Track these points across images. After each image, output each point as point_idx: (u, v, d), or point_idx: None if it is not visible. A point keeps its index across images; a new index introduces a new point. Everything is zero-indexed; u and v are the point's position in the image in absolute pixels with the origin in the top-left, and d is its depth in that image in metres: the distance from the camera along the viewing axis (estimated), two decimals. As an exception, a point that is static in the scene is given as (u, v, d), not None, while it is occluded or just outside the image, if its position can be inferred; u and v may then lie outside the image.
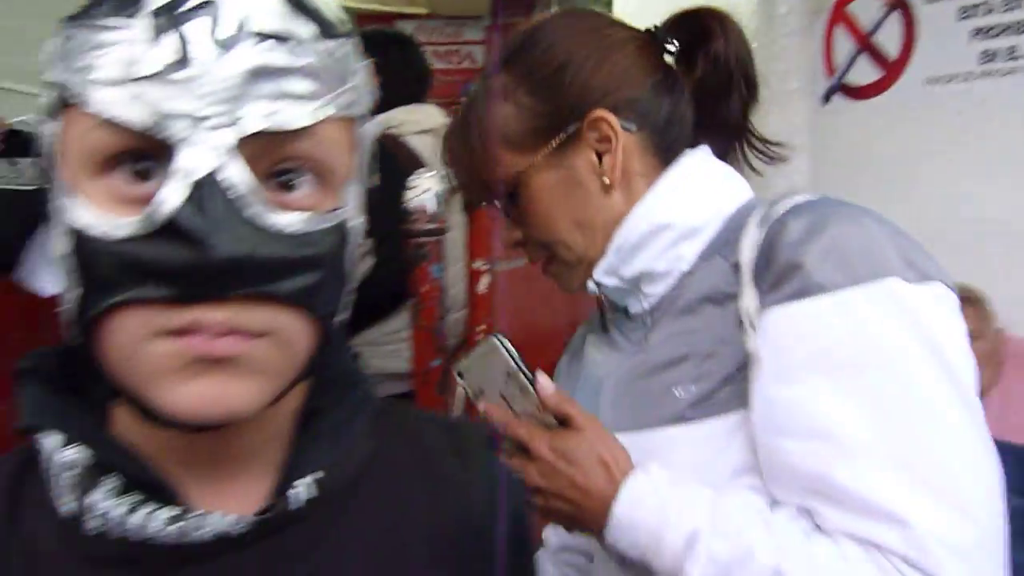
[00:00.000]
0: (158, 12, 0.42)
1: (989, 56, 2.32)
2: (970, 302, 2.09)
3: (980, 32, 2.33)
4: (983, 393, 2.14)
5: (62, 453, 0.47)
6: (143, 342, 0.43)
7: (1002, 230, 2.35)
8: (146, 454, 0.48)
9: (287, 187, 0.45)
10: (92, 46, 0.42)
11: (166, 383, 0.43)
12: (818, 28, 2.74)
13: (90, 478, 0.47)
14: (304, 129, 0.44)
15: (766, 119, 3.15)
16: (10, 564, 0.47)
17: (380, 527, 0.52)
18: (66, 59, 0.44)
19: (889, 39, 2.55)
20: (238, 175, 0.42)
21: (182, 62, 0.41)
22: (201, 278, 0.41)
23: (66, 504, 0.47)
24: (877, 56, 2.59)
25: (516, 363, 0.78)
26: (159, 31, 0.41)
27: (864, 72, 2.63)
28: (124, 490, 0.46)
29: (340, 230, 0.47)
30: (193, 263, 0.40)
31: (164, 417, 0.44)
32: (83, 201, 0.43)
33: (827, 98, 2.75)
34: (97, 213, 0.42)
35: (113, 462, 0.47)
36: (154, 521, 0.46)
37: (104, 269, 0.42)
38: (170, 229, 0.41)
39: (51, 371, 0.51)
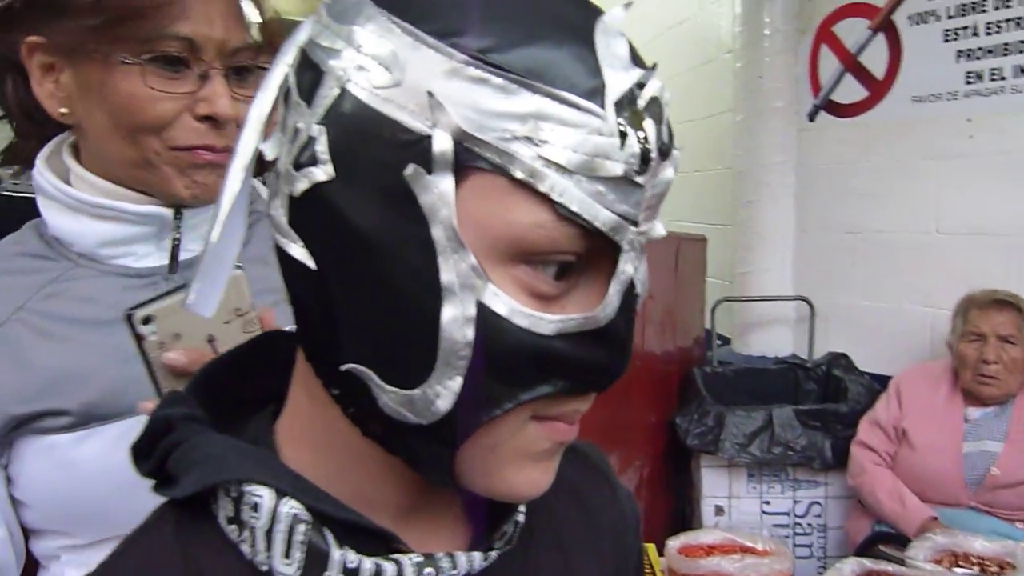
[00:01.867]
0: (619, 104, 0.37)
1: (974, 76, 2.36)
2: (1015, 308, 2.12)
3: (964, 54, 2.37)
4: (996, 399, 2.16)
5: (285, 506, 0.41)
6: (527, 430, 0.41)
7: (985, 243, 2.38)
8: (345, 487, 0.44)
9: None
10: (544, 115, 0.36)
11: (524, 466, 0.42)
12: (804, 48, 2.78)
13: (319, 553, 0.42)
14: None
15: (751, 136, 3.21)
16: None
17: (557, 541, 0.54)
18: (470, 109, 0.36)
19: (874, 59, 2.58)
20: (643, 279, 0.41)
21: (643, 166, 0.37)
22: (611, 378, 0.41)
23: (288, 565, 0.41)
24: (863, 75, 2.63)
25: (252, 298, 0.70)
26: (623, 128, 0.37)
27: (850, 91, 2.66)
28: (344, 543, 0.42)
29: None
30: (616, 364, 0.40)
31: (499, 493, 0.42)
32: (497, 285, 0.37)
33: (812, 116, 2.79)
34: (519, 306, 0.38)
35: (330, 514, 0.42)
36: (406, 570, 0.42)
37: (526, 365, 0.38)
38: (603, 331, 0.39)
39: (209, 418, 0.46)
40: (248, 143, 0.41)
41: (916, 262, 2.56)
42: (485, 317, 0.37)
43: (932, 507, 2.09)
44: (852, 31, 2.63)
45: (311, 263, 0.39)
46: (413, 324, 0.38)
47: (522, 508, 0.49)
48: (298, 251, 0.40)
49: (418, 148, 0.36)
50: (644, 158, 0.37)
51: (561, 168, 0.36)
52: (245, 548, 0.42)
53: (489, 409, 0.39)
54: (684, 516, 2.68)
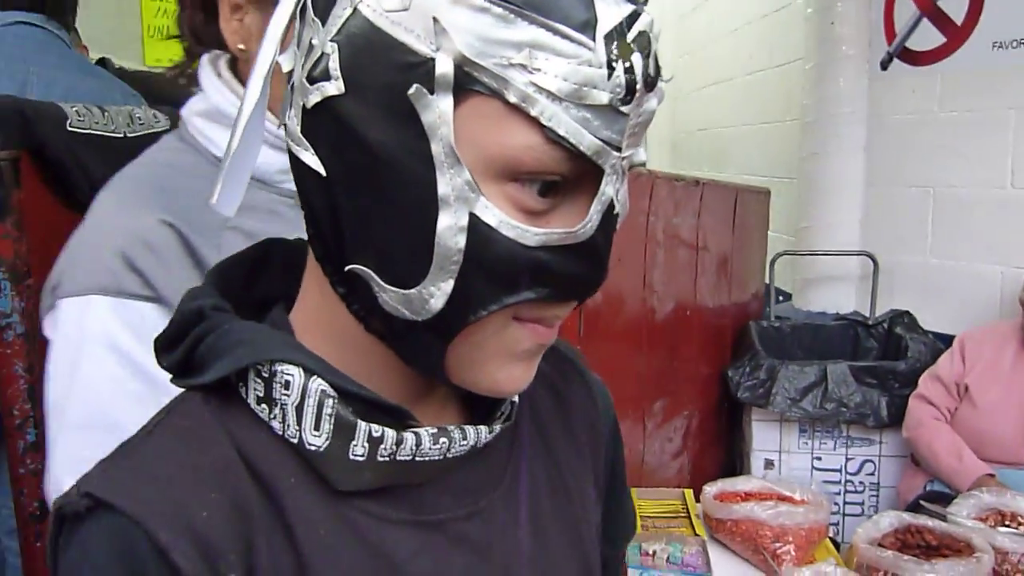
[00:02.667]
0: (609, 37, 0.40)
1: (1061, 21, 2.22)
2: None
3: (1052, -5, 2.23)
4: None
5: (314, 383, 0.45)
6: (509, 330, 0.45)
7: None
8: (368, 376, 0.48)
9: None
10: (535, 42, 0.39)
11: (504, 361, 0.46)
12: (879, -8, 2.65)
13: (346, 422, 0.46)
14: None
15: (821, 85, 3.10)
16: (251, 511, 0.45)
17: (539, 429, 0.59)
18: (476, 37, 0.39)
19: (954, 3, 2.45)
20: (625, 201, 0.45)
21: (628, 96, 0.41)
22: (590, 289, 0.46)
23: (318, 436, 0.46)
24: (941, 20, 2.50)
25: None
26: (612, 59, 0.40)
27: (926, 37, 2.54)
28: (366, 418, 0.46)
29: None
30: (595, 277, 0.45)
31: (478, 388, 0.47)
32: (491, 200, 0.41)
33: (886, 65, 2.67)
34: (507, 218, 0.41)
35: (352, 391, 0.46)
36: (423, 442, 0.47)
37: (512, 272, 0.42)
38: (583, 246, 0.43)
39: (234, 308, 0.49)
40: (267, 55, 0.45)
41: (989, 219, 2.45)
42: (476, 227, 0.41)
43: (992, 466, 2.04)
44: (932, -26, 2.50)
45: (322, 170, 0.43)
46: (412, 230, 0.42)
47: (516, 399, 0.54)
48: (309, 158, 0.43)
49: (422, 70, 0.39)
50: (629, 89, 0.40)
51: (552, 95, 0.39)
52: (276, 424, 0.46)
53: (476, 309, 0.43)
54: (734, 469, 2.68)
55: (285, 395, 0.46)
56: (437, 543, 0.49)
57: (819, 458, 2.48)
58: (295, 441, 0.46)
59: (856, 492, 2.47)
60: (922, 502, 1.79)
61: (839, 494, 2.48)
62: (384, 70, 0.40)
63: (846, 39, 2.73)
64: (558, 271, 0.43)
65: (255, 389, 0.46)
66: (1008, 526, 1.56)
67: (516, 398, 0.54)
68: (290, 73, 0.44)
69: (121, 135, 1.51)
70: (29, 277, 1.26)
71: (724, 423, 2.70)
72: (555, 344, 0.62)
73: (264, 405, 0.46)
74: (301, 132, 0.44)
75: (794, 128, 3.11)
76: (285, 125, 0.45)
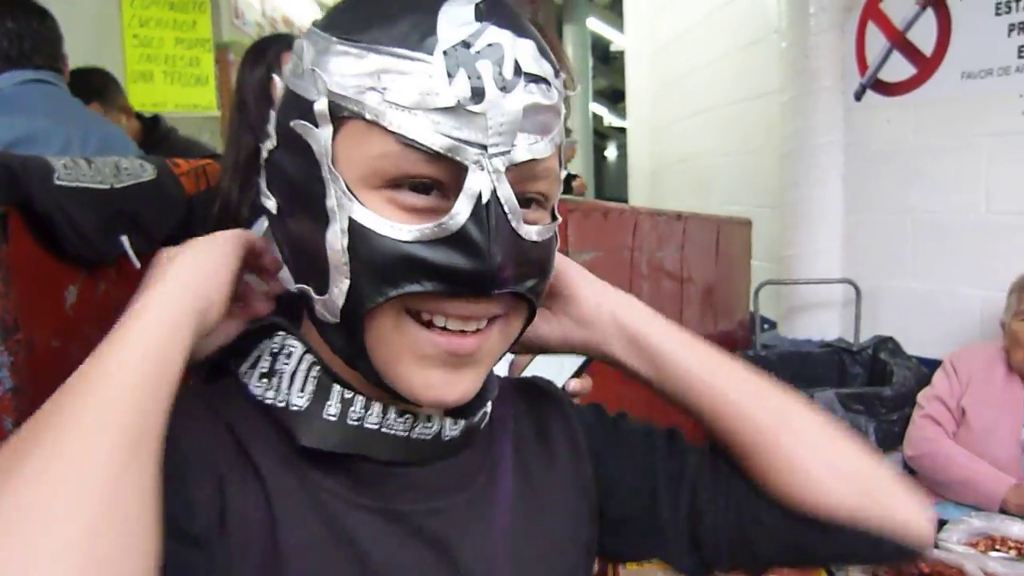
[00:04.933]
0: (449, 52, 0.47)
1: (1026, 51, 2.28)
2: None
3: (1016, 27, 2.30)
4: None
5: (308, 356, 0.55)
6: (407, 329, 0.51)
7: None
8: (347, 376, 0.55)
9: (526, 205, 0.53)
10: (382, 69, 0.47)
11: (415, 364, 0.51)
12: (850, 26, 2.72)
13: (323, 387, 0.54)
14: (547, 157, 0.51)
15: (798, 116, 3.16)
16: (230, 459, 0.52)
17: (521, 456, 0.64)
18: (342, 73, 0.48)
19: (923, 36, 2.52)
20: (509, 195, 0.49)
21: (475, 98, 0.47)
22: (478, 282, 0.49)
23: (301, 396, 0.54)
24: (911, 52, 2.56)
25: None
26: (452, 68, 0.47)
27: (897, 69, 2.60)
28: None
29: (555, 238, 0.56)
30: (475, 270, 0.48)
31: (404, 391, 0.52)
32: (364, 205, 0.48)
33: (860, 95, 2.73)
34: (381, 218, 0.48)
35: (339, 374, 0.54)
36: (389, 414, 0.54)
37: (389, 266, 0.48)
38: (456, 238, 0.48)
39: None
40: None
41: (967, 243, 2.49)
42: (355, 229, 0.49)
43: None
44: (899, 7, 2.57)
45: (274, 209, 0.54)
46: (317, 243, 0.50)
47: (487, 408, 0.60)
48: (270, 202, 0.54)
49: (312, 110, 0.50)
50: (476, 92, 0.47)
51: (400, 107, 0.47)
52: (269, 394, 0.54)
53: (365, 302, 0.49)
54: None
55: (285, 364, 0.55)
56: (397, 532, 0.54)
57: (810, 485, 2.49)
58: (282, 406, 0.54)
59: (848, 519, 2.48)
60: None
61: (831, 521, 2.48)
62: (292, 119, 0.51)
63: (821, 71, 2.79)
64: (436, 264, 0.48)
65: (261, 367, 0.56)
66: (999, 551, 1.57)
67: (488, 411, 0.60)
68: None
69: (108, 186, 1.52)
70: (17, 332, 1.26)
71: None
72: (534, 381, 0.71)
73: (265, 379, 0.55)
74: (266, 185, 0.55)
75: (773, 158, 3.16)
76: (260, 183, 0.55)
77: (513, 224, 0.49)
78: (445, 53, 0.47)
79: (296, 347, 0.55)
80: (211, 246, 0.55)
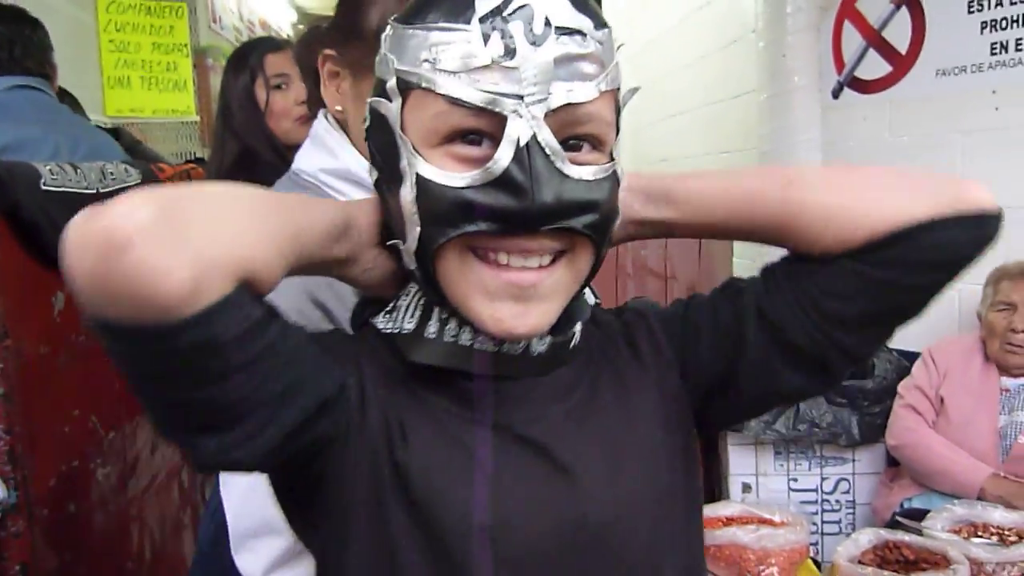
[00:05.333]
0: (484, 18, 0.54)
1: (999, 47, 2.33)
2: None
3: (989, 25, 2.34)
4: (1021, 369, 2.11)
5: (418, 294, 0.64)
6: (473, 267, 0.58)
7: (1013, 215, 2.35)
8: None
9: (576, 148, 0.58)
10: (433, 43, 0.55)
11: (485, 300, 0.58)
12: (826, 25, 2.76)
13: (426, 309, 0.63)
14: (590, 101, 0.56)
15: (776, 115, 3.18)
16: (362, 380, 0.62)
17: (616, 370, 0.69)
18: (407, 53, 0.57)
19: (898, 34, 2.56)
20: (549, 139, 0.55)
21: (508, 55, 0.54)
22: (524, 219, 0.55)
23: (411, 323, 0.63)
24: (886, 50, 2.60)
25: None
26: (487, 32, 0.54)
27: (873, 67, 2.64)
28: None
29: (614, 178, 0.60)
30: (520, 207, 0.54)
31: (478, 325, 0.59)
32: (427, 160, 0.56)
33: (837, 94, 2.77)
34: (438, 169, 0.56)
35: (442, 305, 0.62)
36: (480, 334, 0.61)
37: (447, 210, 0.55)
38: (502, 180, 0.54)
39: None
40: None
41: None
42: (420, 183, 0.56)
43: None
44: (875, 6, 2.60)
45: (375, 179, 0.63)
46: (397, 200, 0.58)
47: (576, 328, 0.66)
48: (374, 175, 0.63)
49: (386, 88, 0.59)
50: (508, 49, 0.54)
51: (448, 72, 0.55)
52: (389, 325, 0.64)
53: (431, 244, 0.57)
54: (713, 494, 2.71)
55: (404, 300, 0.64)
56: (502, 439, 0.62)
57: (795, 479, 2.52)
58: (396, 331, 0.63)
59: (833, 511, 2.51)
60: (899, 518, 1.83)
61: (816, 513, 2.51)
62: (374, 97, 0.61)
63: (798, 70, 2.82)
64: (487, 205, 0.54)
65: (387, 310, 0.65)
66: (981, 536, 1.60)
67: (576, 331, 0.66)
68: None
69: (94, 191, 1.51)
70: (7, 339, 1.26)
71: (700, 449, 2.72)
72: (628, 306, 0.76)
73: (387, 315, 0.65)
74: (370, 159, 0.64)
75: (752, 157, 3.19)
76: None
77: (558, 164, 0.55)
78: (481, 20, 0.54)
79: (413, 286, 0.64)
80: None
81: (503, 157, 0.54)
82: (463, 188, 0.55)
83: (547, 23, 0.54)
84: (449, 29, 0.55)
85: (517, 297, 0.58)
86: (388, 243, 0.62)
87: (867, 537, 1.57)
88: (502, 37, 0.54)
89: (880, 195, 0.62)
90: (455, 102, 0.55)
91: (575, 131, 0.57)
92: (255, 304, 0.51)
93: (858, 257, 0.61)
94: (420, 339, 0.62)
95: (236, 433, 0.52)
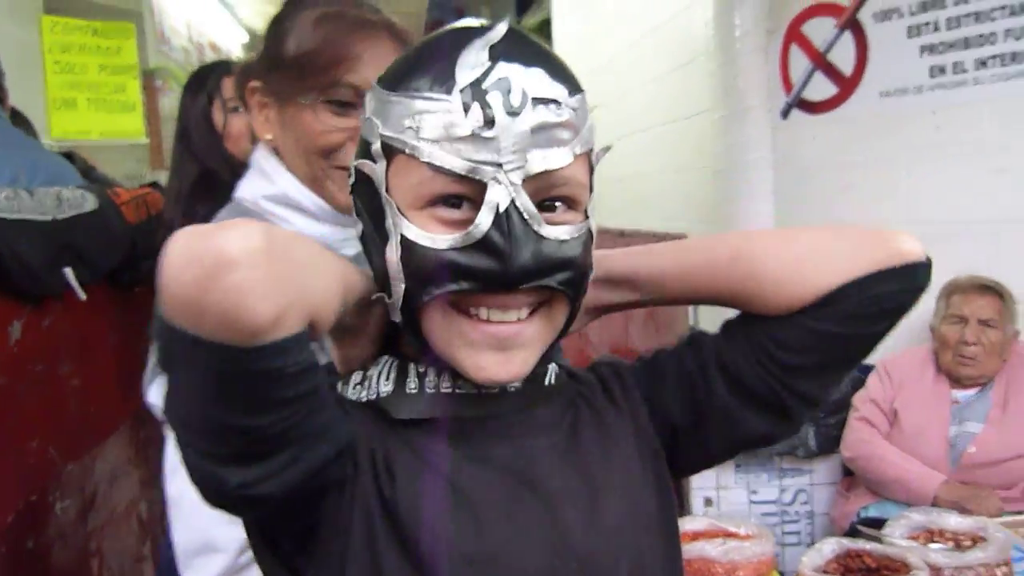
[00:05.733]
0: (464, 89, 0.57)
1: (937, 71, 2.43)
2: (997, 294, 2.20)
3: (927, 49, 2.44)
4: (987, 380, 2.21)
5: (389, 360, 0.67)
6: (455, 321, 0.61)
7: (955, 230, 2.45)
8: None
9: (551, 209, 0.61)
10: (416, 111, 0.58)
11: (468, 350, 0.61)
12: (774, 48, 2.84)
13: (401, 370, 0.66)
14: (565, 166, 0.60)
15: (728, 134, 3.26)
16: (358, 443, 0.63)
17: (595, 414, 0.72)
18: (391, 118, 0.60)
19: (843, 57, 2.65)
20: (526, 203, 0.58)
21: (487, 125, 0.57)
22: (503, 279, 0.58)
23: (387, 385, 0.66)
24: (832, 73, 2.69)
25: None
26: (468, 102, 0.57)
27: (820, 88, 2.73)
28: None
29: (588, 235, 0.64)
30: (500, 269, 0.58)
31: (462, 373, 0.62)
32: (411, 222, 0.59)
33: (786, 114, 2.85)
34: (423, 232, 0.59)
35: (420, 357, 0.66)
36: (458, 378, 0.64)
37: (431, 271, 0.58)
38: (482, 244, 0.57)
39: None
40: None
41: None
42: (405, 243, 0.59)
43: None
44: (820, 30, 2.70)
45: (360, 233, 0.66)
46: (383, 257, 0.61)
47: (550, 368, 0.70)
48: (359, 226, 0.66)
49: (370, 150, 0.62)
50: (488, 120, 0.57)
51: (430, 141, 0.58)
52: (364, 394, 0.66)
53: (416, 300, 0.60)
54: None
55: (375, 367, 0.67)
56: (486, 471, 0.64)
57: (755, 492, 2.56)
58: (374, 397, 0.65)
59: (793, 521, 2.56)
60: (859, 527, 1.88)
61: (777, 525, 2.55)
62: (360, 157, 0.64)
63: (748, 92, 2.91)
64: (469, 266, 0.58)
65: (355, 379, 0.67)
66: (937, 542, 1.65)
67: (550, 371, 0.70)
68: None
69: (50, 218, 1.48)
70: (-36, 369, 1.22)
71: (662, 464, 2.75)
72: (599, 360, 0.79)
73: (359, 386, 0.67)
74: (355, 212, 0.66)
75: (707, 175, 3.26)
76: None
77: (534, 227, 0.58)
78: (461, 91, 0.57)
79: (382, 357, 0.68)
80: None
81: (483, 222, 0.57)
82: (446, 250, 0.58)
83: (524, 94, 0.57)
84: (431, 99, 0.58)
85: (498, 347, 0.61)
86: (374, 296, 0.64)
87: (830, 547, 1.61)
88: (482, 108, 0.57)
89: (821, 257, 0.67)
90: (438, 170, 0.57)
91: (550, 193, 0.61)
92: (311, 346, 0.55)
93: (807, 313, 0.66)
94: (403, 396, 0.65)
95: (266, 466, 0.54)
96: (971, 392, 2.23)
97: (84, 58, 3.62)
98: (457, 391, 0.65)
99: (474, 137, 0.57)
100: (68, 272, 1.54)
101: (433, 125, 0.57)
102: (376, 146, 0.61)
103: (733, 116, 2.97)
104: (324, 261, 0.58)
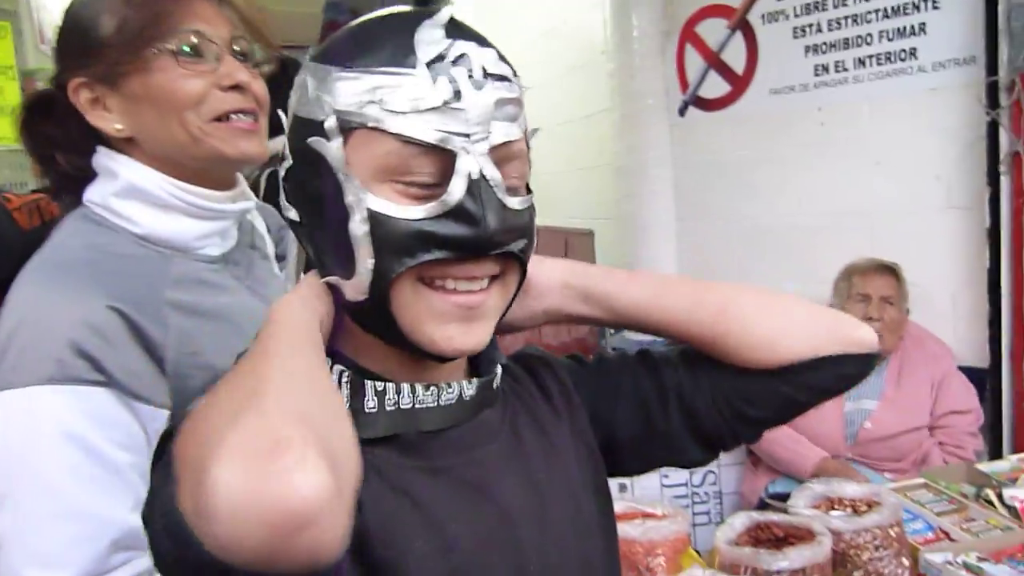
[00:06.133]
0: (430, 64, 0.58)
1: (821, 69, 2.58)
2: (891, 273, 2.33)
3: (812, 49, 2.60)
4: (884, 355, 2.34)
5: (337, 368, 0.64)
6: (423, 294, 0.61)
7: (842, 221, 2.61)
8: (383, 368, 0.65)
9: (508, 180, 0.62)
10: (377, 86, 0.58)
11: (436, 323, 0.61)
12: (670, 48, 2.96)
13: (356, 387, 0.63)
14: (518, 139, 0.62)
15: (628, 133, 3.35)
16: None
17: (529, 411, 0.74)
18: (342, 94, 0.59)
19: (735, 56, 2.78)
20: (493, 173, 0.59)
21: (456, 98, 0.58)
22: (476, 245, 0.59)
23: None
24: (725, 72, 2.82)
25: None
26: (434, 76, 0.58)
27: (714, 87, 2.86)
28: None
29: (533, 208, 0.66)
30: (473, 235, 0.59)
31: (427, 348, 0.62)
32: (378, 196, 0.58)
33: (683, 112, 2.97)
34: (394, 204, 0.58)
35: (361, 367, 0.64)
36: (417, 391, 0.64)
37: (405, 242, 0.58)
38: (455, 211, 0.58)
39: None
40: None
41: (784, 243, 2.77)
42: (373, 216, 0.59)
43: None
44: (713, 31, 2.83)
45: (297, 218, 0.64)
46: (341, 233, 0.60)
47: (497, 370, 0.71)
48: (292, 213, 0.64)
49: (322, 128, 0.60)
50: (455, 93, 0.58)
51: (396, 113, 0.58)
52: None
53: (389, 274, 0.59)
54: (591, 498, 2.80)
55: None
56: (443, 482, 0.64)
57: (666, 475, 2.65)
58: None
59: (702, 502, 2.66)
60: (767, 500, 1.98)
61: (687, 506, 2.66)
62: (303, 138, 0.61)
63: (645, 91, 3.01)
64: (443, 235, 0.58)
65: None
66: (837, 509, 1.75)
67: (498, 373, 0.71)
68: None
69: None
70: None
71: (577, 455, 2.82)
72: (527, 351, 0.81)
73: None
74: (285, 198, 0.65)
75: (608, 172, 3.35)
76: (282, 196, 0.65)
77: (499, 196, 0.60)
78: (427, 65, 0.58)
79: (332, 366, 0.64)
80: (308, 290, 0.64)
81: (456, 190, 0.58)
82: (419, 220, 0.58)
83: (484, 70, 0.60)
84: (394, 73, 0.58)
85: (463, 318, 0.62)
86: (324, 279, 0.63)
87: (740, 520, 1.68)
88: (449, 82, 0.58)
89: (800, 331, 0.75)
90: (408, 141, 0.58)
91: (507, 167, 0.62)
92: None
93: (773, 375, 0.75)
94: (362, 415, 0.62)
95: None
96: (864, 370, 2.38)
97: (-45, 58, 3.40)
98: (417, 406, 0.64)
99: (442, 109, 0.58)
100: (-42, 280, 1.45)
101: (399, 98, 0.57)
102: (330, 122, 0.59)
103: (632, 115, 3.06)
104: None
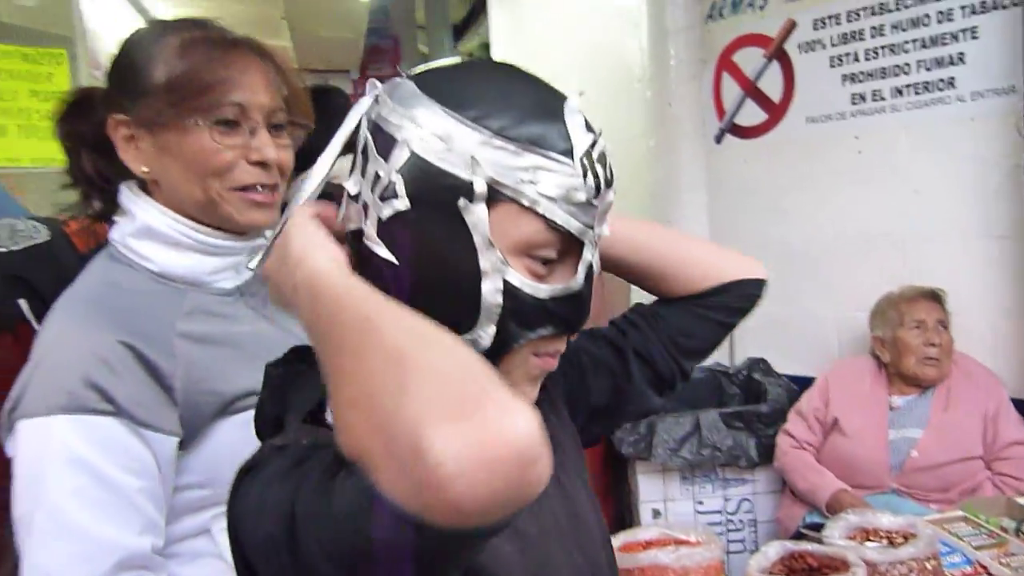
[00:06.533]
0: (582, 157, 0.62)
1: (858, 98, 2.59)
2: (935, 299, 2.32)
3: (848, 78, 2.61)
4: (935, 381, 2.32)
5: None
6: (529, 360, 0.66)
7: (876, 246, 2.60)
8: None
9: None
10: (532, 165, 0.60)
11: (528, 385, 0.68)
12: (707, 76, 2.98)
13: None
14: None
15: (665, 159, 3.36)
16: None
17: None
18: (498, 164, 0.60)
19: (771, 85, 2.80)
20: (597, 263, 0.67)
21: (598, 196, 0.63)
22: (581, 324, 0.66)
23: None
24: (761, 100, 2.84)
25: None
26: (584, 171, 0.62)
27: (750, 115, 2.88)
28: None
29: None
30: (580, 317, 0.66)
31: None
32: (514, 269, 0.62)
33: (719, 139, 2.99)
34: (526, 280, 0.62)
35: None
36: None
37: (530, 316, 0.63)
38: (573, 295, 0.64)
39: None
40: (321, 170, 0.67)
41: (818, 268, 2.76)
42: (508, 288, 0.62)
43: (860, 492, 2.25)
44: (750, 60, 2.85)
45: (394, 260, 0.62)
46: (463, 294, 0.62)
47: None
48: (384, 252, 0.63)
49: (465, 189, 0.60)
50: (597, 189, 0.63)
51: (550, 198, 0.61)
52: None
53: (510, 344, 0.64)
54: (623, 521, 2.80)
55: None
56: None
57: (700, 502, 2.65)
58: None
59: (737, 530, 2.65)
60: (803, 531, 1.97)
61: (722, 533, 2.64)
62: (438, 190, 0.60)
63: (682, 118, 3.03)
64: (559, 313, 0.64)
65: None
66: (872, 540, 1.75)
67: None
68: (358, 194, 0.64)
69: (6, 249, 1.47)
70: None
71: (611, 479, 2.82)
72: None
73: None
74: (376, 235, 0.63)
75: (644, 197, 3.37)
76: (363, 228, 0.64)
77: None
78: (581, 159, 0.62)
79: None
80: (303, 225, 0.63)
81: (580, 277, 0.64)
82: (544, 299, 0.63)
83: (611, 169, 0.65)
84: (554, 159, 0.61)
85: (541, 379, 0.70)
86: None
87: (774, 549, 1.69)
88: (595, 177, 0.62)
89: (720, 259, 0.92)
90: (555, 227, 0.62)
91: None
92: None
93: (697, 303, 0.89)
94: None
95: None
96: (909, 398, 2.33)
97: (14, 84, 3.54)
98: None
99: (585, 203, 0.62)
100: (23, 304, 1.54)
101: (552, 184, 0.60)
102: (481, 187, 0.60)
103: (668, 141, 3.09)
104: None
